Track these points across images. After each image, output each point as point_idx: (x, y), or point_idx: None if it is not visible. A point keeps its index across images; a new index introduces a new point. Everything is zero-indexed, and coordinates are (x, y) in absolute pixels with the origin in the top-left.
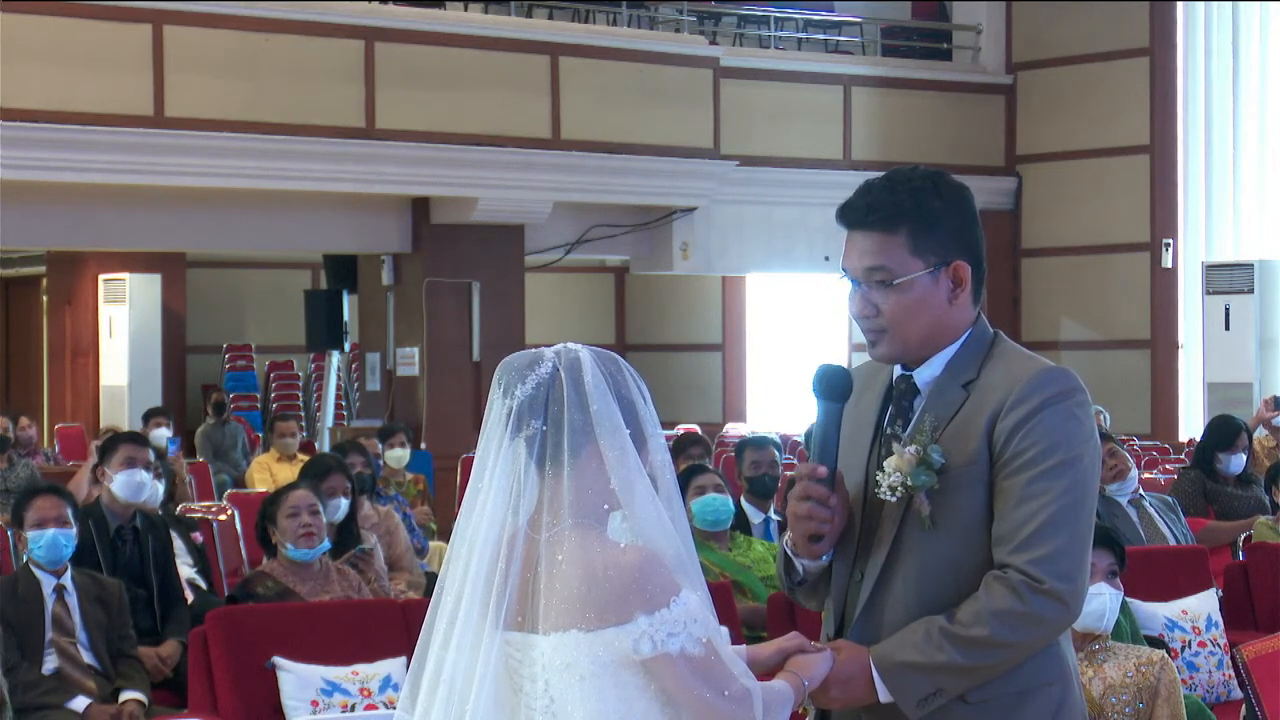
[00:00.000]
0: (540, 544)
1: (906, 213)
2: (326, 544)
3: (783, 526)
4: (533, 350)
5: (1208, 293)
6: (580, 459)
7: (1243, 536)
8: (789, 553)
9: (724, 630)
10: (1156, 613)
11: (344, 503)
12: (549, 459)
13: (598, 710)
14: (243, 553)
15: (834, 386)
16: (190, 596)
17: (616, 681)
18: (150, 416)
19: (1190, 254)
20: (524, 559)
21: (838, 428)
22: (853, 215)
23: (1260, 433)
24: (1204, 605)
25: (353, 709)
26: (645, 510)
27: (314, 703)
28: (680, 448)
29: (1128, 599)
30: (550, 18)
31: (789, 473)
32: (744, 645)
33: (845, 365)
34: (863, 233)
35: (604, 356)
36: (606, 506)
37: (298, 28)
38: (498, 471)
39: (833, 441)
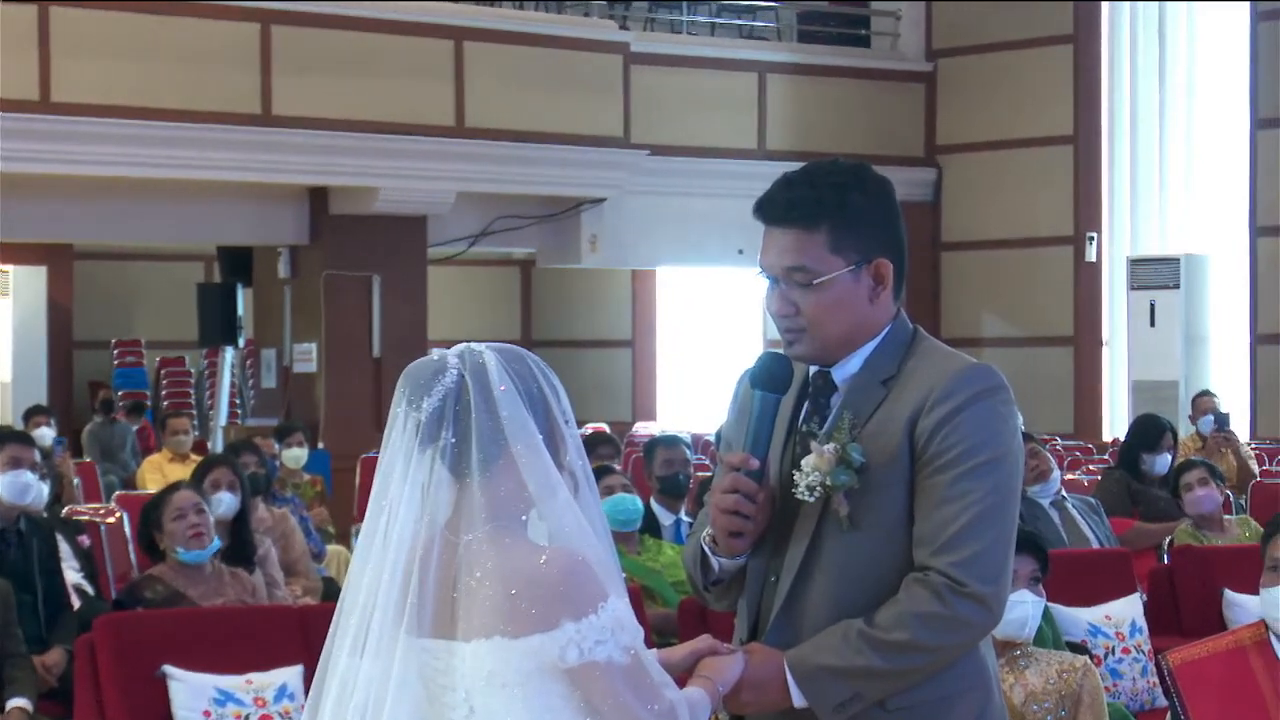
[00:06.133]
0: (459, 548)
1: (828, 209)
2: (217, 543)
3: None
4: (436, 357)
5: (1133, 288)
6: (494, 466)
7: (1168, 539)
8: (706, 549)
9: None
10: (1079, 618)
11: (228, 497)
12: (462, 468)
13: None
14: (131, 557)
15: (776, 376)
16: (76, 603)
17: (541, 690)
18: (30, 415)
19: (1115, 248)
20: (443, 564)
21: (773, 420)
22: (772, 211)
23: (1185, 433)
24: (1128, 610)
25: None
26: (564, 513)
27: (206, 713)
28: (588, 448)
29: (1050, 604)
30: (455, 0)
31: (702, 474)
32: (655, 650)
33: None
34: (782, 229)
35: (511, 355)
36: (524, 511)
37: (193, 10)
38: (407, 483)
39: (766, 435)
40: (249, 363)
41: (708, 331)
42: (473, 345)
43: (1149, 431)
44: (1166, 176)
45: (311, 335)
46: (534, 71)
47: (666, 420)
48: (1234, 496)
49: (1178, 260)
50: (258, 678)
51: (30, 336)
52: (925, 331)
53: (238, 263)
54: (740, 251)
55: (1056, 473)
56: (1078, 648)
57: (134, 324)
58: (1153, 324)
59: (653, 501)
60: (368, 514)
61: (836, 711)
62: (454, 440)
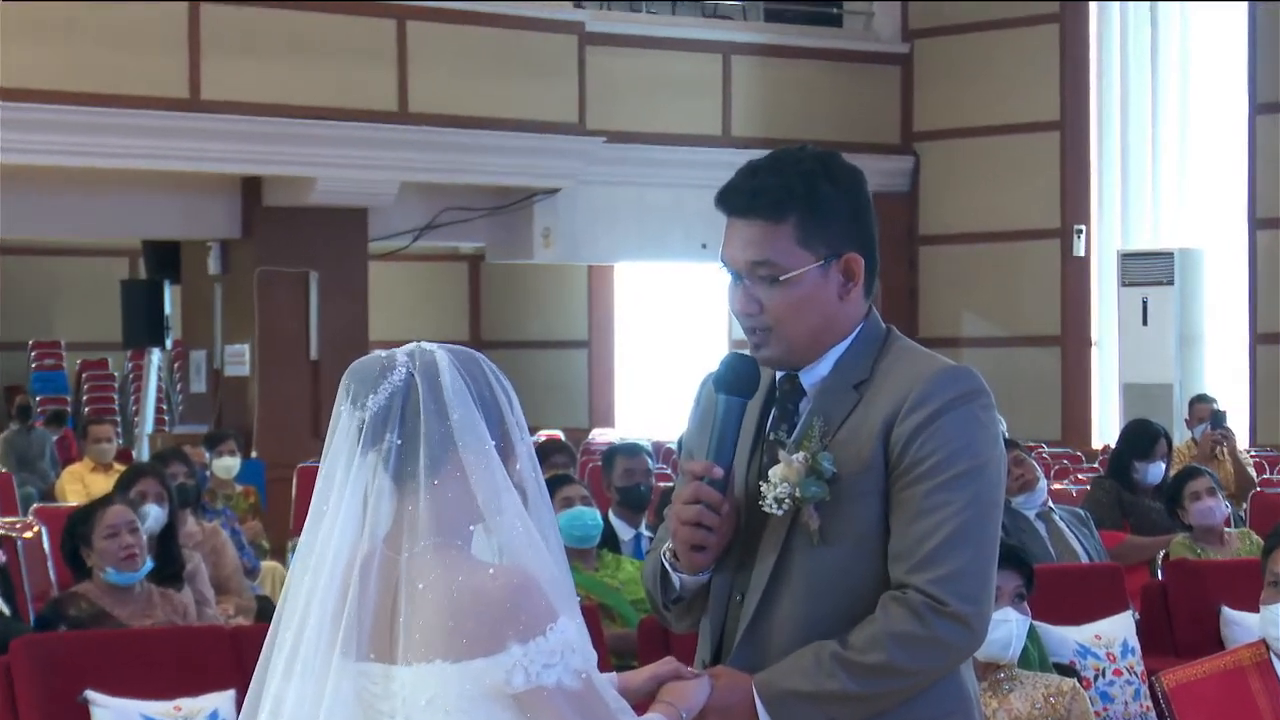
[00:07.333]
0: (400, 565)
1: (795, 199)
2: (150, 564)
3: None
4: (383, 354)
5: (1124, 284)
6: (441, 474)
7: (1162, 553)
8: (667, 565)
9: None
10: (1067, 637)
11: (155, 510)
12: (406, 474)
13: None
14: (51, 574)
15: (742, 377)
16: None
17: (485, 717)
18: None
19: (1104, 241)
20: (382, 582)
21: (738, 426)
22: (735, 201)
23: (1180, 440)
24: (1119, 629)
25: None
26: (514, 527)
27: None
28: (542, 456)
29: (1036, 623)
30: None
31: (664, 484)
32: (614, 673)
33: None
34: (746, 221)
35: (463, 356)
36: (471, 524)
37: None
38: (348, 489)
39: (731, 441)
40: (177, 365)
41: (669, 331)
42: (423, 344)
43: (1141, 438)
44: (1159, 165)
45: (244, 336)
46: (482, 53)
47: (625, 426)
48: (1233, 507)
49: (1172, 255)
50: (187, 703)
51: None
52: (899, 332)
53: (165, 258)
54: (704, 246)
55: (1042, 482)
56: (1066, 669)
57: (53, 324)
58: (1145, 323)
59: (611, 514)
60: (307, 522)
61: None
62: (399, 443)
